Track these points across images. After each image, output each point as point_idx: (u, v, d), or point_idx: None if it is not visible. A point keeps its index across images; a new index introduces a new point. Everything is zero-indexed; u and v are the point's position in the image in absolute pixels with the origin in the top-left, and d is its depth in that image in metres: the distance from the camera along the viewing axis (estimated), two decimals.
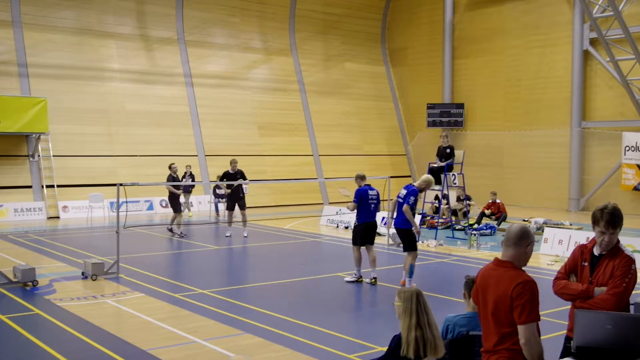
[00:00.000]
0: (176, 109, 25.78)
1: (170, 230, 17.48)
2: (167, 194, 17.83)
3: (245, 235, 16.86)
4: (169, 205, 17.90)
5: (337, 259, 14.13)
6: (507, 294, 4.00)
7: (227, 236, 17.13)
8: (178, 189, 17.38)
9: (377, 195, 11.40)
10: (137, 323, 8.63)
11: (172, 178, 17.34)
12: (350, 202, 11.48)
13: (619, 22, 20.15)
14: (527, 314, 3.94)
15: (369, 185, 11.50)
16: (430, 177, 11.38)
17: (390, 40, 32.55)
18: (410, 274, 10.58)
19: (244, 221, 17.20)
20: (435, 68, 30.01)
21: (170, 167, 17.51)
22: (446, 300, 10.00)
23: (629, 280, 4.42)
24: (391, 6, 32.12)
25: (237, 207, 17.07)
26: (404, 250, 10.82)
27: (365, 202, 11.18)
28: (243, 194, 17.12)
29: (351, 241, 11.55)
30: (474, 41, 28.39)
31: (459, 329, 5.23)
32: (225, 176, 16.95)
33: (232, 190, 16.90)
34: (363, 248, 11.29)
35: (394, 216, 10.99)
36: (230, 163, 16.98)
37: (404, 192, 10.84)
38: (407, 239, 10.70)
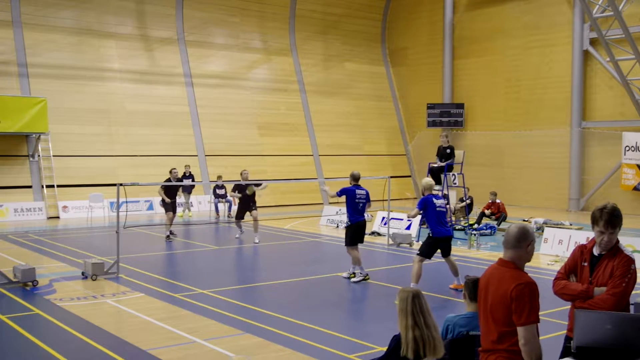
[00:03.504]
0: (176, 109, 25.78)
1: (170, 234, 16.99)
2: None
3: (257, 241, 15.99)
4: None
5: (337, 259, 14.12)
6: (507, 293, 4.01)
7: (236, 237, 16.58)
8: (174, 194, 16.87)
9: (366, 195, 11.54)
10: (137, 323, 8.63)
11: (169, 182, 16.83)
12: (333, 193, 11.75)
13: (619, 22, 20.14)
14: (526, 316, 3.94)
15: (358, 185, 11.62)
16: (426, 180, 10.97)
17: (390, 40, 32.55)
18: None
19: (255, 221, 16.22)
20: (435, 68, 30.01)
21: (171, 172, 17.03)
22: (446, 300, 10.01)
23: (628, 280, 4.42)
24: (391, 6, 32.12)
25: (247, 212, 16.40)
26: (446, 256, 10.56)
27: (352, 201, 11.38)
28: (254, 202, 16.25)
29: (345, 242, 11.49)
30: (474, 41, 28.39)
31: (459, 329, 5.24)
32: (237, 187, 16.36)
33: (243, 198, 16.31)
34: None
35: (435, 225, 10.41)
36: (241, 174, 16.42)
37: (442, 201, 10.55)
38: (450, 245, 10.65)
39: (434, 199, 10.35)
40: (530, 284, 4.00)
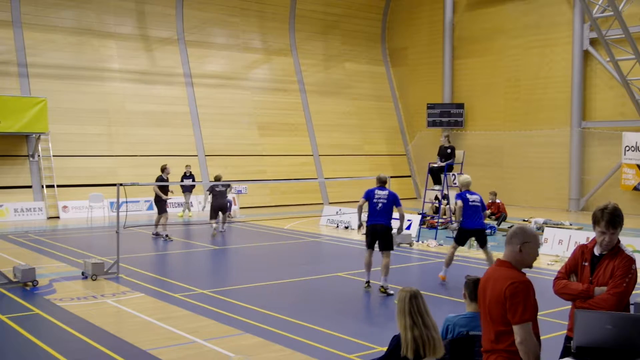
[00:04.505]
0: (176, 109, 25.78)
1: (156, 234, 16.98)
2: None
3: (223, 229, 18.14)
4: (155, 206, 17.40)
5: (337, 259, 14.14)
6: (502, 292, 4.01)
7: (218, 231, 17.89)
8: (166, 192, 16.89)
9: (388, 196, 10.54)
10: (137, 323, 8.63)
11: (162, 179, 16.86)
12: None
13: (619, 22, 20.14)
14: (520, 314, 3.93)
15: (382, 186, 10.75)
16: (464, 177, 12.00)
17: (390, 40, 32.55)
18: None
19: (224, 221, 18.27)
20: (435, 68, 30.00)
21: (164, 169, 17.03)
22: (446, 300, 10.00)
23: (629, 280, 4.42)
24: (391, 6, 32.12)
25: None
26: (483, 247, 11.54)
27: (371, 201, 10.61)
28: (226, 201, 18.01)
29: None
30: (474, 41, 28.39)
31: (459, 329, 5.23)
32: (212, 189, 17.52)
33: (214, 199, 17.58)
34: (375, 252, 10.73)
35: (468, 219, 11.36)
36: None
37: (476, 197, 11.38)
38: (485, 237, 11.58)
39: (467, 194, 11.42)
40: (524, 283, 3.98)
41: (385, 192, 10.63)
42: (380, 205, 10.51)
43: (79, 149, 23.28)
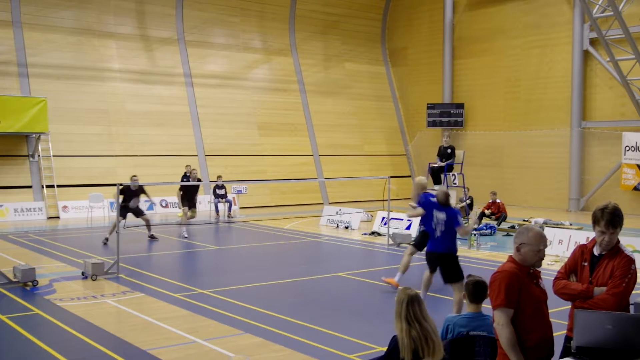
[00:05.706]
0: (176, 109, 25.78)
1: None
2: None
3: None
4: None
5: (337, 259, 14.14)
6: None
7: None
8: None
9: (446, 219, 8.84)
10: (137, 323, 8.63)
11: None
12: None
13: (619, 22, 20.14)
14: (494, 300, 4.20)
15: (440, 206, 9.08)
16: (419, 179, 10.66)
17: (390, 40, 32.55)
18: None
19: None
20: (435, 68, 30.00)
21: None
22: (446, 300, 10.00)
23: (628, 280, 4.42)
24: (391, 6, 32.12)
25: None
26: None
27: (429, 222, 9.28)
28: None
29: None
30: (474, 41, 28.39)
31: (458, 329, 5.23)
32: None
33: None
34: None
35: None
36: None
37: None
38: None
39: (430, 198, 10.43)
40: (504, 272, 4.20)
41: (444, 215, 8.88)
42: (438, 232, 8.91)
43: (79, 149, 23.29)
